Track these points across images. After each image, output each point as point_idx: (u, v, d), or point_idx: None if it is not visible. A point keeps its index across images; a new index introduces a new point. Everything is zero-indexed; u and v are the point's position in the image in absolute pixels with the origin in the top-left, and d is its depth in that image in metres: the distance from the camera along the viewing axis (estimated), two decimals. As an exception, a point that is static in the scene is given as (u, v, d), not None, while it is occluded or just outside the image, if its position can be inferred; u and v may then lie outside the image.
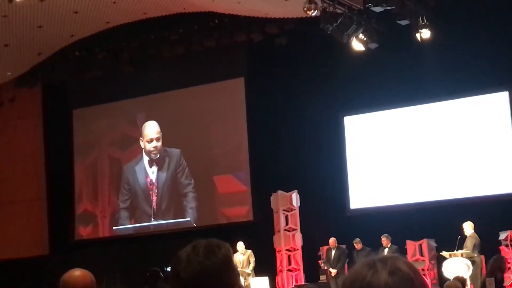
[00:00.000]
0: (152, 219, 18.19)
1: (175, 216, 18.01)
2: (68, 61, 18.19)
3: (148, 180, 18.41)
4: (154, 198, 18.26)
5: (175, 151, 18.18)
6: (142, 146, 18.48)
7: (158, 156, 18.35)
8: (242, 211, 17.24)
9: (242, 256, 14.86)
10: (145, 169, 18.47)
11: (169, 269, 15.41)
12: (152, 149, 18.37)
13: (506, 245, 13.87)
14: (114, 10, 16.25)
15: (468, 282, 12.82)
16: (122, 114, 19.02)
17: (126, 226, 18.55)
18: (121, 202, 18.67)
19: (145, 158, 18.48)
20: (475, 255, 13.05)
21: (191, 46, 17.07)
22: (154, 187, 18.30)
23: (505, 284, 13.77)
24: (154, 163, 18.40)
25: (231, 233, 15.29)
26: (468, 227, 13.31)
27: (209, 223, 17.27)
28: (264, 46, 16.62)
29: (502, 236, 13.90)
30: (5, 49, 17.04)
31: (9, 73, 18.21)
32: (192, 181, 17.89)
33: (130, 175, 18.62)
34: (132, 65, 17.88)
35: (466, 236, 13.27)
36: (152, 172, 18.38)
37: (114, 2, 15.78)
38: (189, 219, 17.79)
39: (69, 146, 19.51)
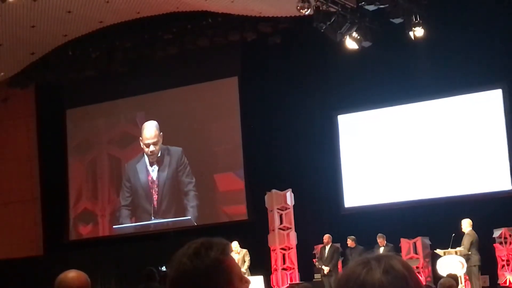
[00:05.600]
0: (152, 218, 18.20)
1: (175, 215, 18.02)
2: (62, 61, 18.16)
3: (149, 178, 18.41)
4: (155, 197, 18.27)
5: (177, 150, 18.18)
6: (142, 147, 18.49)
7: (158, 155, 18.34)
8: (242, 209, 17.24)
9: (237, 255, 14.85)
10: (146, 167, 18.47)
11: (164, 268, 15.44)
12: (149, 153, 18.38)
13: (500, 243, 13.91)
14: (107, 10, 16.22)
15: (462, 280, 12.86)
16: (119, 113, 19.03)
17: (126, 225, 18.56)
18: (122, 200, 18.67)
19: (146, 157, 18.49)
20: (469, 252, 13.07)
21: (185, 46, 17.07)
22: (155, 186, 18.31)
23: (499, 281, 13.82)
24: (155, 162, 18.41)
25: (226, 232, 15.29)
26: (466, 225, 13.32)
27: (210, 222, 17.26)
28: (257, 45, 16.62)
29: (496, 233, 13.94)
30: (-2, 49, 17.00)
31: (1, 73, 18.15)
32: (193, 180, 17.89)
33: (131, 173, 18.63)
34: (125, 65, 17.87)
35: (463, 234, 13.29)
36: (153, 171, 18.38)
37: (107, 2, 15.74)
38: (189, 217, 17.80)
39: (63, 146, 19.48)
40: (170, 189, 18.16)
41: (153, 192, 18.32)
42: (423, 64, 15.21)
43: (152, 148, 18.34)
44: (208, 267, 1.95)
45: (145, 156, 18.49)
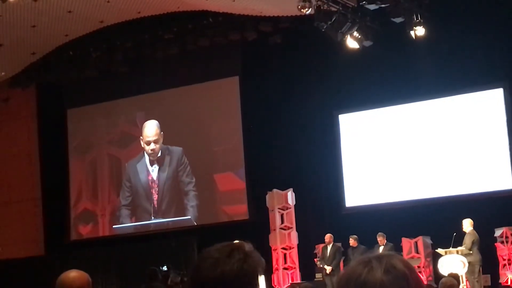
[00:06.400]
0: (152, 217, 18.19)
1: (175, 214, 18.01)
2: (62, 61, 18.15)
3: (150, 178, 18.40)
4: (155, 196, 18.26)
5: (177, 150, 18.18)
6: (142, 146, 18.48)
7: (159, 155, 18.34)
8: (243, 209, 17.23)
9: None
10: (146, 167, 18.46)
11: (164, 268, 15.43)
12: (150, 151, 18.38)
13: (502, 242, 13.90)
14: (108, 10, 16.22)
15: (464, 279, 12.85)
16: (120, 113, 19.02)
17: (126, 224, 18.56)
18: (122, 199, 18.66)
19: (146, 156, 18.49)
20: (471, 252, 13.06)
21: (185, 45, 17.05)
22: (155, 185, 18.31)
23: (500, 281, 13.82)
24: (155, 161, 18.41)
25: (227, 232, 15.27)
26: (467, 224, 13.31)
27: (210, 221, 17.26)
28: (258, 45, 16.60)
29: (498, 233, 13.94)
30: (-1, 49, 17.01)
31: (3, 73, 18.15)
32: (194, 180, 17.88)
33: (132, 172, 18.62)
34: (126, 65, 17.86)
35: (465, 233, 13.28)
36: (153, 170, 18.37)
37: (108, 1, 15.74)
38: (189, 217, 17.79)
39: (64, 146, 19.48)
40: (170, 189, 18.16)
41: (153, 192, 18.32)
42: (424, 63, 15.20)
43: (152, 146, 18.33)
44: (248, 274, 2.09)
45: (146, 155, 18.48)
